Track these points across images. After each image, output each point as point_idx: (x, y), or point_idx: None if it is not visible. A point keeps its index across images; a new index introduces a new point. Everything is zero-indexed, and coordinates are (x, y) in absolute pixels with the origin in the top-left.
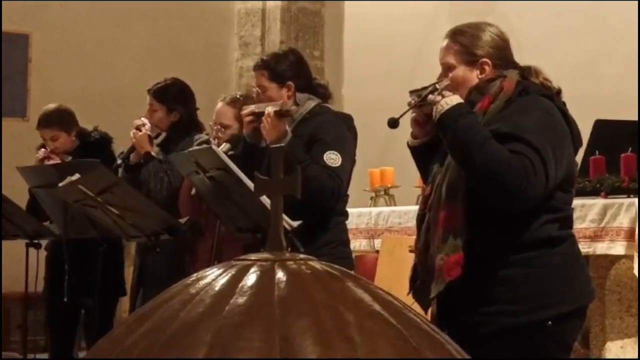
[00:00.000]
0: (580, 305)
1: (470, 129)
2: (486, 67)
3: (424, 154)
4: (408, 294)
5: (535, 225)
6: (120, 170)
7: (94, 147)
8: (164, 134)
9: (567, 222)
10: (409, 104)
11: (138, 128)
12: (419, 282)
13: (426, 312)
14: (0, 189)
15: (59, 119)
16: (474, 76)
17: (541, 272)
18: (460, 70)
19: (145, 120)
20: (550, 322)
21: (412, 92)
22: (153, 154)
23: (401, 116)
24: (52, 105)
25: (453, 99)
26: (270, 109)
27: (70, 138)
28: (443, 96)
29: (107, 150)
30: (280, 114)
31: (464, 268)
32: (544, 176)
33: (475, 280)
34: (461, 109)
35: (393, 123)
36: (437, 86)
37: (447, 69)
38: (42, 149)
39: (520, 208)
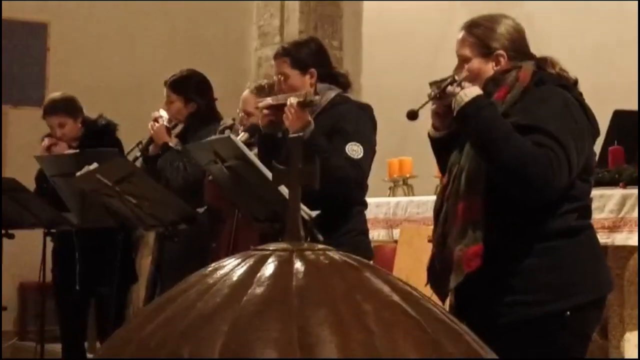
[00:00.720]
0: (599, 295)
1: (493, 122)
2: (501, 59)
3: (444, 145)
4: (426, 284)
5: (555, 215)
6: (139, 161)
7: (100, 134)
8: (181, 125)
9: (586, 212)
10: (429, 95)
11: (155, 120)
12: (437, 273)
13: (444, 303)
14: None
15: (65, 106)
16: (489, 68)
17: (560, 262)
18: (476, 63)
19: (162, 112)
20: (569, 313)
21: (432, 84)
22: (171, 144)
23: (420, 108)
24: (56, 94)
25: (472, 91)
26: (293, 100)
27: (77, 125)
28: (462, 87)
29: (113, 137)
30: (304, 104)
31: (482, 258)
32: (567, 167)
33: (494, 271)
34: (482, 101)
35: (412, 115)
36: (456, 77)
37: (463, 60)
38: (47, 138)
39: (545, 200)
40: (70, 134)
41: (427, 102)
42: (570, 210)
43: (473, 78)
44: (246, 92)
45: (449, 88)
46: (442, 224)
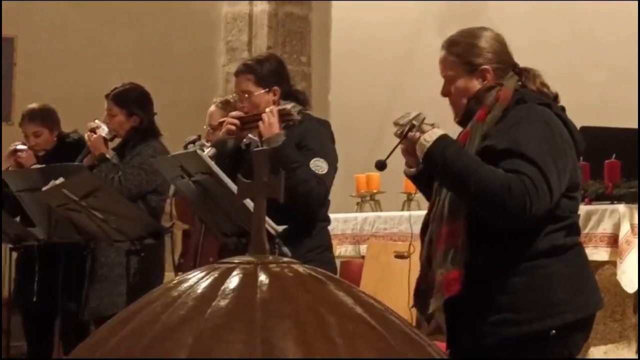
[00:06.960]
0: (586, 314)
1: (459, 159)
2: (487, 74)
3: (423, 179)
4: (412, 306)
5: (540, 235)
6: None
7: (71, 148)
8: (119, 139)
9: (573, 229)
10: (395, 134)
11: (92, 130)
12: (421, 295)
13: (429, 324)
14: None
15: (42, 115)
16: (475, 84)
17: (545, 281)
18: (462, 82)
19: (100, 123)
20: (554, 332)
21: (395, 124)
22: (108, 156)
23: (388, 157)
24: (36, 104)
25: (433, 133)
26: (273, 107)
27: (52, 137)
28: (423, 131)
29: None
30: (284, 114)
31: (467, 278)
32: (546, 190)
33: (480, 290)
34: (445, 141)
35: (381, 165)
36: (414, 122)
37: (448, 81)
38: (17, 144)
39: (526, 225)
40: (44, 145)
41: (393, 150)
42: (557, 229)
43: (460, 97)
44: (212, 107)
45: (410, 134)
46: (427, 246)
